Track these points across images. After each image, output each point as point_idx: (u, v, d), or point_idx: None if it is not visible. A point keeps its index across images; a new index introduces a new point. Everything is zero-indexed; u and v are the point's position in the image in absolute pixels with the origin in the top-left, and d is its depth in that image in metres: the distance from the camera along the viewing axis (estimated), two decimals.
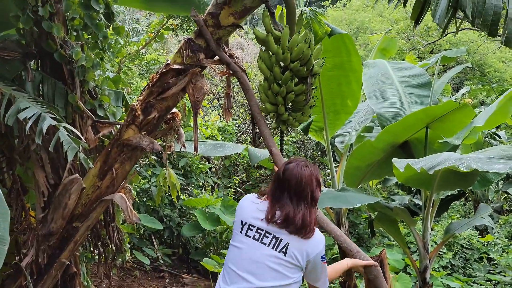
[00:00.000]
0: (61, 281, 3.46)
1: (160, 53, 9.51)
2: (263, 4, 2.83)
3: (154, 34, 6.60)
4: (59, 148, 3.32)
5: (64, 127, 2.99)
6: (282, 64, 2.82)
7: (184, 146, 3.57)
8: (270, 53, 2.83)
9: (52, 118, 2.95)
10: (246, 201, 2.32)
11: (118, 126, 3.76)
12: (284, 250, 2.14)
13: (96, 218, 3.31)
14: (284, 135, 3.08)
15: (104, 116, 3.68)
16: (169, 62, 3.00)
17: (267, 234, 2.17)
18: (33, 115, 2.93)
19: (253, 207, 2.26)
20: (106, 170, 3.15)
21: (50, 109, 3.12)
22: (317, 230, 2.23)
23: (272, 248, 2.15)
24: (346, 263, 2.51)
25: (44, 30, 3.25)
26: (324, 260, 2.25)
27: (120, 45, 4.13)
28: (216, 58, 2.93)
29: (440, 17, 2.38)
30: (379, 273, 2.49)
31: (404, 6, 2.76)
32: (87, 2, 3.43)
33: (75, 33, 3.53)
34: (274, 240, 2.16)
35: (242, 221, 2.24)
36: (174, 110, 3.31)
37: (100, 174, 3.17)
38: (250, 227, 2.21)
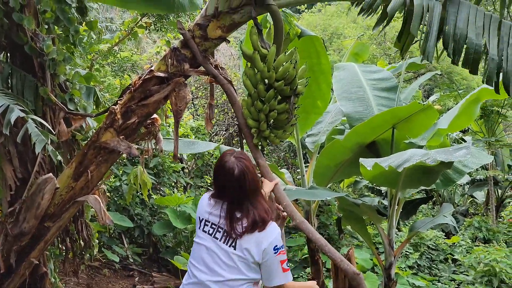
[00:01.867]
0: (30, 280, 3.42)
1: (134, 52, 9.47)
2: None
3: (128, 31, 6.58)
4: (28, 141, 3.31)
5: (32, 119, 2.98)
6: (266, 81, 2.85)
7: (162, 151, 3.59)
8: (256, 70, 2.86)
9: (20, 110, 2.94)
10: (204, 198, 2.37)
11: (90, 121, 3.76)
12: (233, 244, 2.17)
13: (68, 218, 3.28)
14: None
15: (74, 110, 3.67)
16: (152, 68, 2.99)
17: (219, 229, 2.22)
18: (1, 107, 2.91)
19: (207, 203, 2.31)
20: (81, 172, 3.13)
21: (18, 102, 3.10)
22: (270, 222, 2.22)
23: (224, 242, 2.19)
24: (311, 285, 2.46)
25: (15, 22, 3.23)
26: (278, 252, 2.17)
27: (92, 39, 4.12)
28: (202, 68, 2.94)
29: (429, 54, 2.49)
30: (362, 280, 2.57)
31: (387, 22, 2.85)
32: None
33: (46, 26, 3.51)
34: (225, 234, 2.20)
35: (199, 217, 2.31)
36: (154, 115, 3.31)
37: (75, 175, 3.14)
38: (206, 223, 2.26)
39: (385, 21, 2.67)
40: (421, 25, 2.58)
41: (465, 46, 2.47)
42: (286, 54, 2.82)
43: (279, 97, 2.84)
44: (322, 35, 20.22)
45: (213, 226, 2.24)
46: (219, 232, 2.21)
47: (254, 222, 2.15)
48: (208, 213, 2.27)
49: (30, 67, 3.47)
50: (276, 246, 2.17)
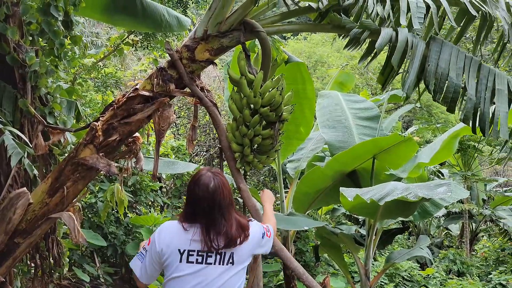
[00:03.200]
0: None
1: (118, 68, 9.43)
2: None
3: (113, 48, 6.55)
4: (2, 153, 3.23)
5: (10, 131, 2.91)
6: (252, 106, 2.85)
7: (142, 170, 3.53)
8: (242, 95, 2.86)
9: None
10: (173, 226, 2.18)
11: (68, 135, 3.69)
12: (231, 260, 2.14)
13: (40, 235, 3.16)
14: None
15: (54, 124, 3.60)
16: (137, 87, 2.97)
17: (209, 254, 2.11)
18: None
19: (183, 231, 2.15)
20: (57, 187, 3.03)
21: None
22: (249, 224, 2.27)
23: (219, 264, 2.12)
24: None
25: None
26: (263, 236, 2.29)
27: (76, 54, 4.08)
28: (187, 89, 2.93)
29: (408, 88, 2.54)
30: None
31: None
32: (45, 7, 3.39)
33: (30, 38, 3.47)
34: (218, 256, 2.12)
35: (180, 250, 2.12)
36: (136, 134, 3.26)
37: (50, 191, 3.04)
38: (190, 253, 2.11)
39: (372, 55, 2.72)
40: (404, 61, 2.64)
41: (446, 84, 2.52)
42: (273, 80, 2.84)
43: (264, 123, 2.85)
44: (307, 62, 20.51)
45: (200, 253, 2.11)
46: (210, 257, 2.11)
47: (230, 239, 2.11)
48: (189, 240, 2.11)
49: (10, 78, 3.41)
50: (262, 234, 2.30)
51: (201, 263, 2.11)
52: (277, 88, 2.79)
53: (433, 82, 2.51)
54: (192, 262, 2.11)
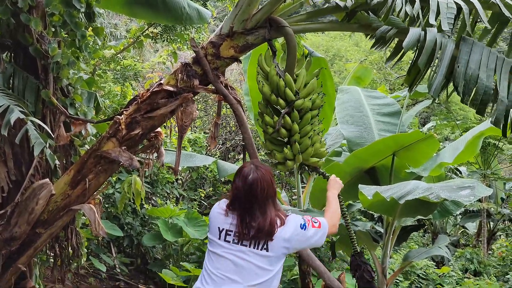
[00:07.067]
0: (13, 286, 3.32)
1: (136, 60, 9.46)
2: None
3: (133, 40, 6.55)
4: (24, 143, 3.25)
5: (32, 121, 2.92)
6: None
7: (163, 165, 3.53)
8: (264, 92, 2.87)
9: (20, 111, 2.88)
10: (219, 209, 2.34)
11: (89, 127, 3.70)
12: (265, 247, 2.21)
13: (60, 226, 3.20)
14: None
15: (74, 115, 3.61)
16: (162, 82, 2.96)
17: (245, 236, 2.23)
18: (0, 107, 2.85)
19: (224, 212, 2.30)
20: (79, 180, 3.06)
21: (19, 103, 3.05)
22: (287, 215, 2.30)
23: (254, 247, 2.22)
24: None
25: (21, 23, 3.19)
26: (305, 228, 2.25)
27: (97, 46, 4.08)
28: (211, 85, 2.92)
29: (435, 90, 2.45)
30: None
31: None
32: None
33: (53, 29, 3.48)
34: (253, 239, 2.22)
35: (219, 228, 2.28)
36: (158, 129, 3.27)
37: (72, 183, 3.08)
38: (228, 232, 2.26)
39: (399, 54, 2.66)
40: (432, 62, 2.56)
41: (475, 86, 2.44)
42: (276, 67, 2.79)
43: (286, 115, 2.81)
44: (324, 56, 20.34)
45: (237, 234, 2.24)
46: (246, 239, 2.22)
47: (259, 231, 2.19)
48: (228, 223, 2.26)
49: (33, 68, 3.42)
50: (302, 224, 2.26)
51: (237, 243, 2.23)
52: (277, 73, 2.73)
53: (463, 83, 2.42)
54: (229, 242, 2.25)
